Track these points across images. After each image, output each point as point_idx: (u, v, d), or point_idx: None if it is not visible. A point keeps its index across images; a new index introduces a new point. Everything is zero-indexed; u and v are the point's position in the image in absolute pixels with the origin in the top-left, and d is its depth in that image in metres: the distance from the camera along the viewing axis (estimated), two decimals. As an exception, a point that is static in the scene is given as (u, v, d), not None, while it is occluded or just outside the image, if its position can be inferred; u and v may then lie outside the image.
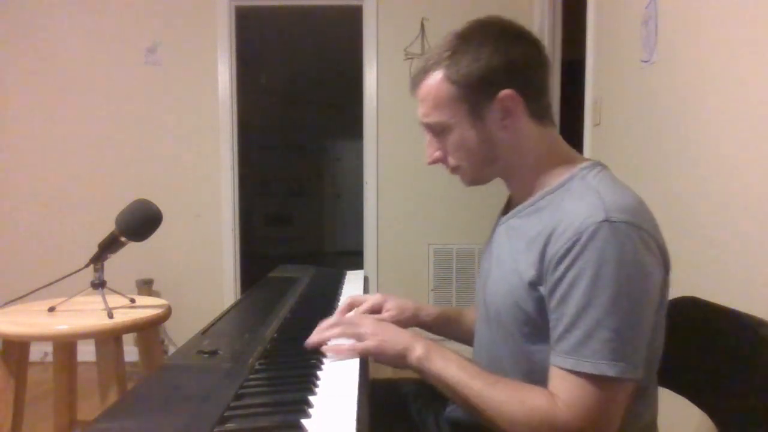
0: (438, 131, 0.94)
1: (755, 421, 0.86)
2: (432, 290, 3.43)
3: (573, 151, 0.97)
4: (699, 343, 1.02)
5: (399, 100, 3.38)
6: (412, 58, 3.34)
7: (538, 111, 0.92)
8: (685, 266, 1.51)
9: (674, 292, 1.08)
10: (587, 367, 0.76)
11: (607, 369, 0.76)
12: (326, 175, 7.79)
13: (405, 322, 1.13)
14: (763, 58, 1.22)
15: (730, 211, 1.35)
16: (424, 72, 0.93)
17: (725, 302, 1.01)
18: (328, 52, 5.64)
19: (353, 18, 3.46)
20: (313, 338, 0.94)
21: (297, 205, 7.73)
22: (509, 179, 0.99)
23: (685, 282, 1.48)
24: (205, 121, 3.39)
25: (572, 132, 2.63)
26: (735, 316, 0.96)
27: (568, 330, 0.79)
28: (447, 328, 1.19)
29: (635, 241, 0.78)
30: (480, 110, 0.90)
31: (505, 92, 0.88)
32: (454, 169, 0.97)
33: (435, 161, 0.98)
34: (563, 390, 0.79)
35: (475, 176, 0.97)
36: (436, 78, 0.91)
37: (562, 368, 0.79)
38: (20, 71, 3.35)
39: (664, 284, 0.86)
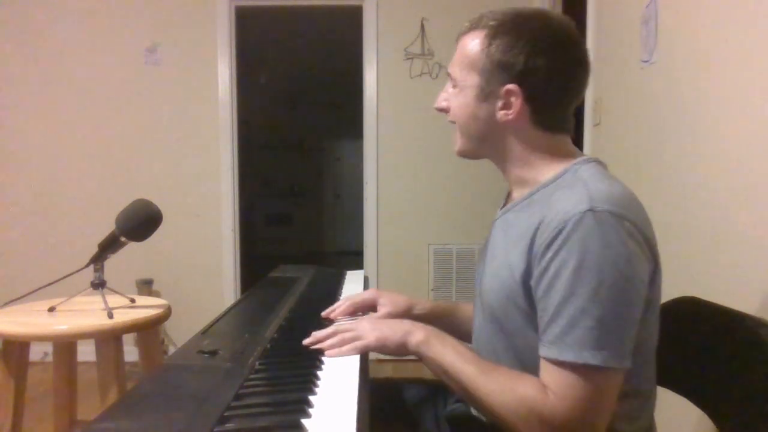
0: (454, 84, 0.97)
1: (755, 421, 0.86)
2: (432, 290, 3.43)
3: (575, 150, 0.97)
4: (699, 343, 1.02)
5: (399, 100, 3.37)
6: (412, 58, 3.34)
7: (544, 120, 0.93)
8: (685, 266, 1.51)
9: (674, 292, 1.08)
10: (570, 356, 0.76)
11: (590, 357, 0.75)
12: (326, 175, 7.78)
13: (399, 316, 1.13)
14: (763, 58, 1.22)
15: (730, 211, 1.35)
16: (472, 26, 0.94)
17: (725, 302, 1.01)
18: (328, 52, 5.64)
19: (353, 18, 3.45)
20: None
21: (297, 205, 7.72)
22: (503, 170, 1.00)
23: (685, 282, 1.48)
24: (205, 121, 3.39)
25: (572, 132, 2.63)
26: (734, 316, 0.96)
27: (552, 319, 0.79)
28: (441, 322, 1.19)
29: (619, 231, 0.78)
30: (487, 90, 0.92)
31: (511, 87, 0.89)
32: (453, 124, 1.00)
33: (439, 109, 1.01)
34: (550, 380, 0.79)
35: (464, 144, 0.99)
36: (474, 38, 0.93)
37: (547, 358, 0.79)
38: (20, 71, 3.35)
39: (654, 279, 0.84)
